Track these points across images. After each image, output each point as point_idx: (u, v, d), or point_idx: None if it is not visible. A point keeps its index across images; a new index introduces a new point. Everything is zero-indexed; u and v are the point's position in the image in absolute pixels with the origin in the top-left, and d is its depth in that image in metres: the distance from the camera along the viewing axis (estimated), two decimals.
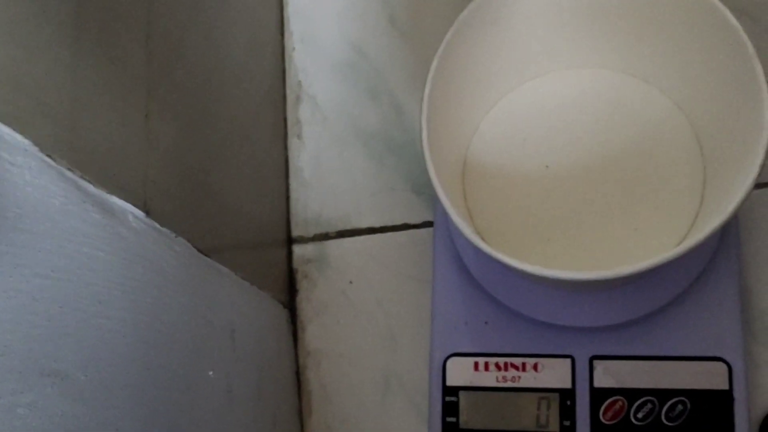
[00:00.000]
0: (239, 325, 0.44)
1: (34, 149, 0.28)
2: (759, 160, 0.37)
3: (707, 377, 0.46)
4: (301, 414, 0.53)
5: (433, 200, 0.54)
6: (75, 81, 0.31)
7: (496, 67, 0.48)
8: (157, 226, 0.36)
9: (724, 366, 0.46)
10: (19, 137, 0.27)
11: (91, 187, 0.31)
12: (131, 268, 0.33)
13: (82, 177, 0.30)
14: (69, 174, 0.29)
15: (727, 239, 0.47)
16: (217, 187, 0.45)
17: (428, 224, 0.54)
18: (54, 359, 0.27)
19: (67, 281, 0.29)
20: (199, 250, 0.40)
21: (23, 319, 0.26)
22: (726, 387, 0.46)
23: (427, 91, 0.42)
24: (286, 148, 0.57)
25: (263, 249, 0.53)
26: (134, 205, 0.34)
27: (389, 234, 0.55)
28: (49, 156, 0.28)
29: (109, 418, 0.30)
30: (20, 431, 0.25)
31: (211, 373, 0.40)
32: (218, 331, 0.41)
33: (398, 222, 0.55)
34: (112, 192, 0.32)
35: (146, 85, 0.36)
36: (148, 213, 0.35)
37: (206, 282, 0.40)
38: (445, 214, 0.51)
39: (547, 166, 0.48)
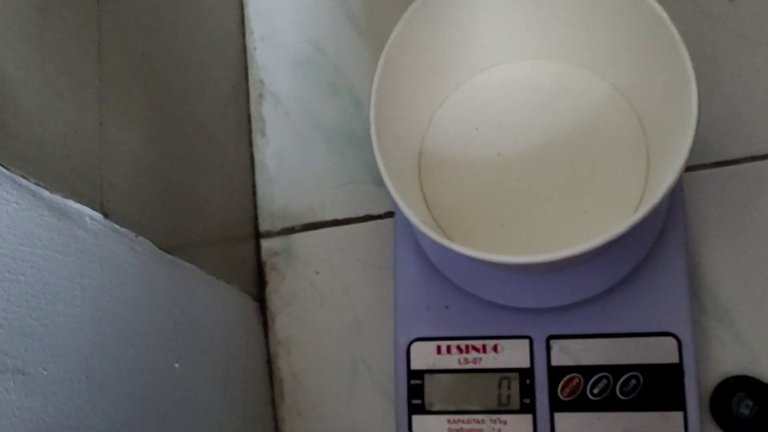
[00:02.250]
0: (205, 319, 0.46)
1: None
2: (689, 140, 0.39)
3: (658, 352, 0.48)
4: (273, 401, 0.55)
5: None
6: (26, 93, 0.32)
7: (444, 62, 0.49)
8: (116, 227, 0.38)
9: (674, 340, 0.48)
10: None
11: (46, 193, 0.32)
12: (89, 267, 0.35)
13: (36, 184, 0.32)
14: (23, 181, 0.31)
15: (674, 218, 0.49)
16: (182, 187, 0.47)
17: (390, 215, 0.56)
18: (12, 356, 0.29)
19: (24, 283, 0.30)
20: (162, 248, 0.42)
21: None
22: (676, 360, 0.48)
23: (374, 88, 0.44)
24: (251, 144, 0.59)
25: (232, 244, 0.54)
26: (91, 207, 0.36)
27: (353, 225, 0.56)
28: (2, 165, 0.30)
29: (72, 411, 0.32)
30: None
31: (176, 365, 0.42)
32: (182, 325, 0.43)
33: (361, 213, 0.56)
34: (68, 196, 0.34)
35: (98, 94, 0.38)
36: (106, 215, 0.37)
37: (169, 279, 0.42)
38: None
39: (498, 154, 0.50)
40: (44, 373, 0.30)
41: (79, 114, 0.36)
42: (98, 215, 0.36)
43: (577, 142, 0.48)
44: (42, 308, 0.31)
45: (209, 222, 0.51)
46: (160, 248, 0.42)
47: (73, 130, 0.36)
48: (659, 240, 0.49)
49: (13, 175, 0.30)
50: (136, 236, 0.39)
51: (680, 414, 0.47)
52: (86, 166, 0.36)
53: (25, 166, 0.31)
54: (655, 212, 0.40)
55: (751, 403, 0.48)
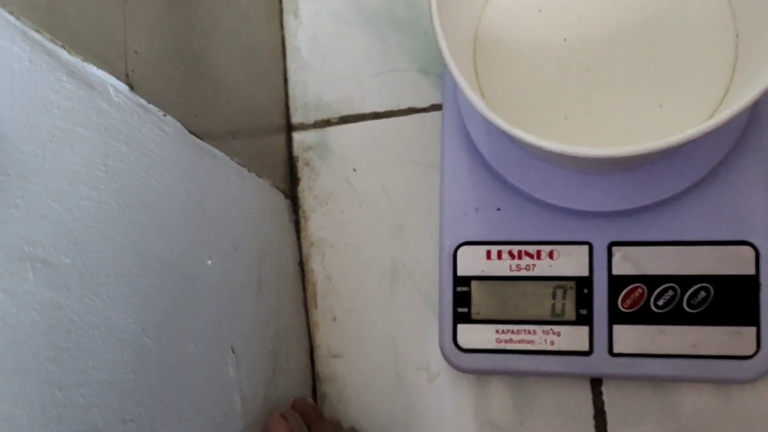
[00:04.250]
0: (236, 213, 0.42)
1: None
2: None
3: (732, 262, 0.44)
4: (306, 305, 0.51)
5: (442, 81, 0.50)
6: None
7: None
8: (143, 102, 0.33)
9: (751, 250, 0.44)
10: None
11: (64, 53, 0.27)
12: (114, 147, 0.30)
13: (52, 41, 0.27)
14: (37, 36, 0.26)
15: (756, 116, 0.44)
16: (210, 65, 0.41)
17: (436, 107, 0.51)
18: (31, 243, 0.24)
19: (42, 158, 0.26)
20: (191, 132, 0.37)
21: None
22: (752, 272, 0.44)
23: None
24: (281, 26, 0.53)
25: (261, 136, 0.49)
26: (115, 76, 0.31)
27: (394, 119, 0.51)
28: (10, 13, 0.25)
29: (100, 308, 0.28)
30: None
31: (209, 262, 0.37)
32: (213, 218, 0.38)
33: (404, 106, 0.51)
34: (89, 60, 0.29)
35: None
36: (131, 87, 0.32)
37: (198, 166, 0.37)
38: (454, 95, 0.48)
39: (564, 39, 0.44)
40: (68, 263, 0.26)
41: None
42: (123, 86, 0.31)
43: (655, 27, 0.43)
44: (63, 189, 0.26)
45: (237, 108, 0.46)
46: (189, 131, 0.37)
47: None
48: (739, 141, 0.44)
49: (24, 27, 0.25)
50: (164, 115, 0.34)
51: (753, 329, 0.44)
52: (108, 27, 0.31)
53: (39, 18, 0.26)
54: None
55: None
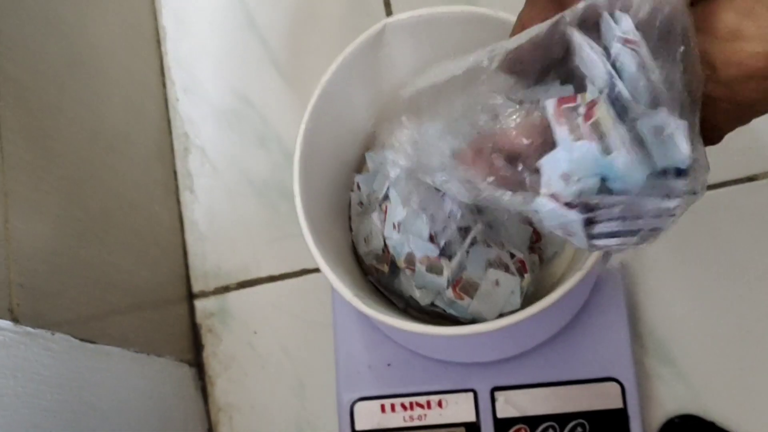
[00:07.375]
0: (135, 400, 0.44)
1: None
2: None
3: (602, 397, 0.48)
4: None
5: None
6: None
7: (370, 114, 0.48)
8: (29, 330, 0.36)
9: (617, 386, 0.48)
10: None
11: None
12: (1, 383, 0.33)
13: None
14: None
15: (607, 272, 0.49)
16: (103, 266, 0.45)
17: None
18: None
19: None
20: (83, 339, 0.40)
21: None
22: (620, 405, 0.48)
23: (297, 154, 0.42)
24: (178, 202, 0.57)
25: (163, 309, 0.52)
26: None
27: (289, 281, 0.55)
28: None
29: None
30: None
31: None
32: (110, 412, 0.41)
33: (297, 268, 0.55)
34: None
35: (1, 189, 0.35)
36: (16, 320, 0.35)
37: (92, 369, 0.40)
38: None
39: None
40: None
41: None
42: (7, 323, 0.34)
43: None
44: None
45: (136, 296, 0.49)
46: (81, 339, 0.40)
47: None
48: (597, 286, 0.48)
49: None
50: (52, 334, 0.37)
51: None
52: None
53: None
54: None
55: None
